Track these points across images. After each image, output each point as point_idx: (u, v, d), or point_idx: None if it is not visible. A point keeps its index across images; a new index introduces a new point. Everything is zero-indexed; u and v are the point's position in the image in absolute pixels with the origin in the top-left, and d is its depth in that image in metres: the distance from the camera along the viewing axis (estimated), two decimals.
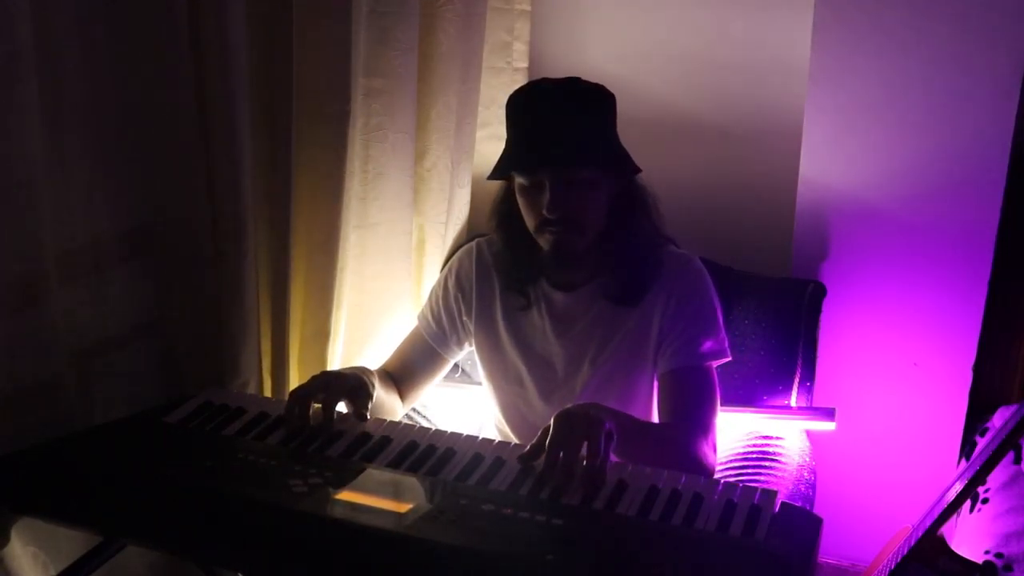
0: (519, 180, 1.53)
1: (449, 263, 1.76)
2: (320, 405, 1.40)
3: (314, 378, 1.44)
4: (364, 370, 1.54)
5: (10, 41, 1.15)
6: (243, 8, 1.42)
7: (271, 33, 1.52)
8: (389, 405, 1.64)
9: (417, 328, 1.77)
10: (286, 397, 1.66)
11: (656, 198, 1.62)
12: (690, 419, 1.50)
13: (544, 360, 1.65)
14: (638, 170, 1.55)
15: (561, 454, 1.22)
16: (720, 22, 2.14)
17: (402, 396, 1.70)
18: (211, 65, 1.40)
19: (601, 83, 1.54)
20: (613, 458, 1.27)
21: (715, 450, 1.51)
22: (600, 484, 1.21)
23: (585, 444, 1.23)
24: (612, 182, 1.54)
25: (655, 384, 1.62)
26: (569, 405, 1.53)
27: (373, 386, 1.49)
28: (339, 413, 1.42)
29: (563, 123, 1.48)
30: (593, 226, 1.53)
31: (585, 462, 1.22)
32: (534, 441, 1.28)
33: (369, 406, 1.42)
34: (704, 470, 1.43)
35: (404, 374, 1.72)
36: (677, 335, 1.57)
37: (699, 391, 1.54)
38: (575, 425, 1.25)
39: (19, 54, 1.17)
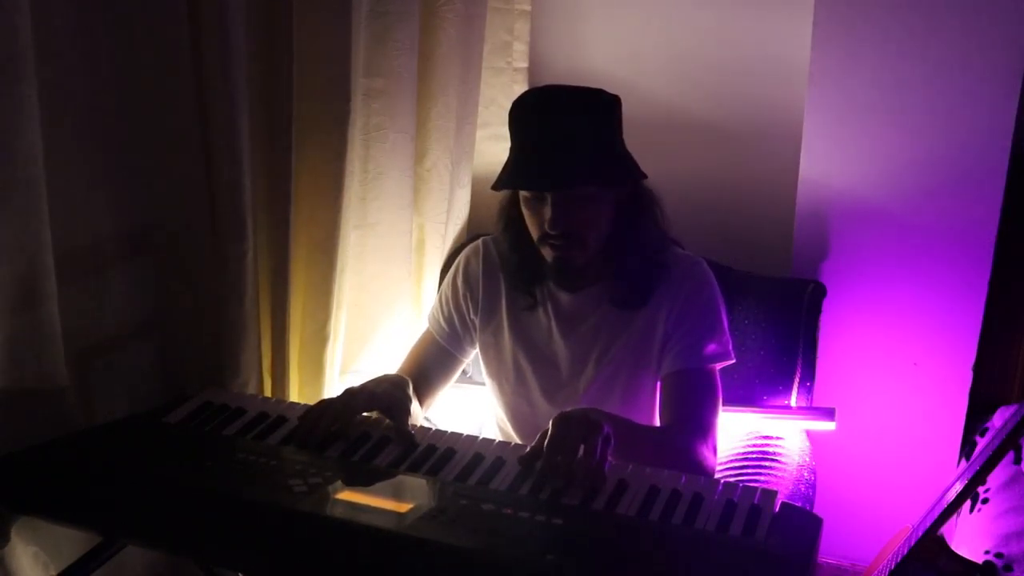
0: (522, 192, 1.53)
1: (456, 262, 1.75)
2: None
3: (339, 398, 1.41)
4: (402, 382, 1.51)
5: (10, 41, 1.15)
6: (243, 8, 1.42)
7: (271, 33, 1.52)
8: (416, 416, 1.63)
9: (429, 331, 1.75)
10: (286, 397, 1.66)
11: (661, 201, 1.60)
12: (690, 422, 1.51)
13: (548, 360, 1.65)
14: (644, 176, 1.54)
15: (559, 456, 1.23)
16: (720, 22, 2.14)
17: (420, 401, 1.68)
18: (211, 65, 1.40)
19: (603, 84, 1.53)
20: (611, 461, 1.27)
21: (715, 452, 1.51)
22: (598, 486, 1.22)
23: (582, 447, 1.23)
24: (616, 191, 1.53)
25: (659, 385, 1.62)
26: (573, 405, 1.52)
27: (410, 399, 1.48)
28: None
29: (566, 138, 1.46)
30: (596, 240, 1.53)
31: (582, 464, 1.22)
32: (534, 443, 1.28)
33: (408, 422, 1.41)
34: (703, 473, 1.43)
35: (420, 379, 1.68)
36: (681, 337, 1.56)
37: (701, 393, 1.54)
38: (573, 428, 1.26)
39: (19, 54, 1.17)
